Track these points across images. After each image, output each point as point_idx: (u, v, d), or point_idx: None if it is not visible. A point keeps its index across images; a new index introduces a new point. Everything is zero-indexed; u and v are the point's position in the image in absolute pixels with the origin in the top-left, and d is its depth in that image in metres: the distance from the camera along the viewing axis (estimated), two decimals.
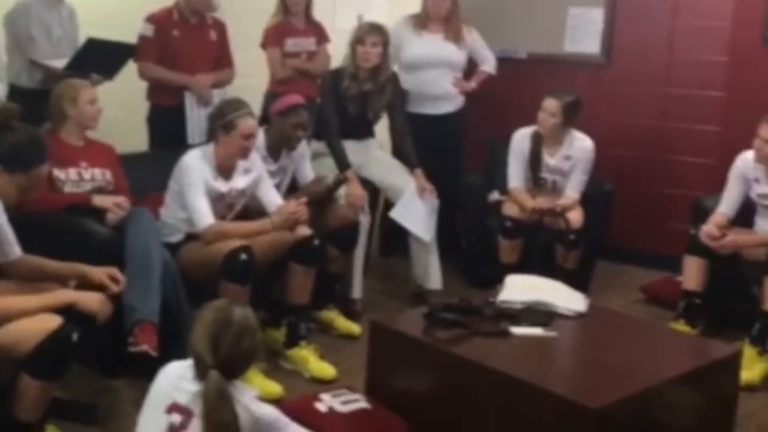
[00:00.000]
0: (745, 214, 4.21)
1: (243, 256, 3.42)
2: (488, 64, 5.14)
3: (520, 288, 3.44)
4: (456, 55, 4.99)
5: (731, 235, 4.05)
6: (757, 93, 4.77)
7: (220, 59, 4.58)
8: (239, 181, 3.73)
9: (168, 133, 4.39)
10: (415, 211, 4.42)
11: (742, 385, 3.30)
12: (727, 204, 4.18)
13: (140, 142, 4.49)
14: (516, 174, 4.64)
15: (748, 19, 4.90)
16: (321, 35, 4.91)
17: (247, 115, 3.63)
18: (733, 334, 3.90)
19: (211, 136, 3.70)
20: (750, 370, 3.58)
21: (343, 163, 4.34)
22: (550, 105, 4.49)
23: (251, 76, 4.80)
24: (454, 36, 4.97)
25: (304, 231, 3.71)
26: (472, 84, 5.08)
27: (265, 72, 4.80)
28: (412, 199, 4.43)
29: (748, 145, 4.11)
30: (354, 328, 4.04)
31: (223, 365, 2.22)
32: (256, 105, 4.19)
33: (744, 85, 4.90)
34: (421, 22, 4.98)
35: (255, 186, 3.79)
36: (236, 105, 3.65)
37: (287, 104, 3.99)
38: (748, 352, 3.65)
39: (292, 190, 4.14)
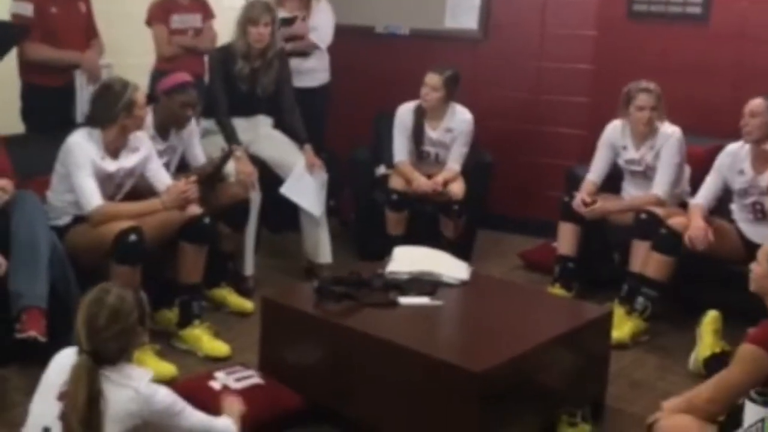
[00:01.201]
0: (614, 180, 4.34)
1: (132, 237, 3.33)
2: (318, 39, 5.03)
3: (407, 259, 3.46)
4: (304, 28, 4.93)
5: (600, 201, 4.18)
6: (623, 64, 4.90)
7: (88, 31, 4.37)
8: (127, 161, 3.60)
9: (48, 113, 4.15)
10: (305, 187, 4.39)
11: (613, 344, 3.41)
12: (596, 171, 4.30)
13: (11, 123, 4.19)
14: (401, 148, 4.65)
15: None
16: (206, 11, 4.79)
17: (136, 87, 3.53)
18: (604, 296, 4.02)
19: (99, 120, 3.51)
20: (620, 329, 3.69)
21: (232, 141, 4.26)
22: (433, 80, 4.51)
23: (137, 55, 4.64)
24: (306, 9, 4.92)
25: (195, 210, 3.63)
26: None
27: (151, 50, 4.65)
28: (302, 174, 4.39)
29: (615, 115, 4.23)
30: (247, 304, 3.99)
31: (97, 348, 2.17)
32: (142, 84, 4.05)
33: (610, 58, 5.03)
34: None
35: (143, 165, 3.67)
36: (123, 82, 3.52)
37: (174, 83, 3.87)
38: (618, 312, 3.75)
39: (181, 169, 4.04)
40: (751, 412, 1.58)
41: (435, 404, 2.69)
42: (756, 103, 3.74)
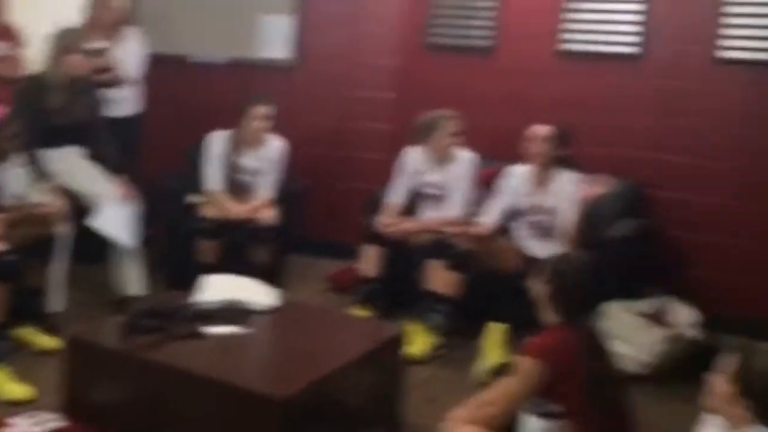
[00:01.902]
0: (411, 203, 4.52)
1: None
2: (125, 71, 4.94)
3: (217, 288, 3.46)
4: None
5: (400, 223, 4.36)
6: (421, 92, 5.12)
7: None
8: None
9: None
10: (116, 218, 4.30)
11: (411, 359, 3.55)
12: (395, 194, 4.47)
13: None
14: (213, 176, 4.66)
15: (414, 24, 5.20)
16: (15, 39, 4.61)
17: None
18: (407, 314, 4.13)
19: None
20: (417, 345, 3.84)
21: (41, 173, 4.12)
22: (262, 111, 4.54)
23: None
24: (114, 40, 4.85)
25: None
26: None
27: None
28: (113, 206, 4.30)
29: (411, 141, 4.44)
30: (52, 343, 3.80)
31: None
32: None
33: (409, 86, 5.23)
34: (87, 29, 4.76)
35: None
36: None
37: None
38: (415, 328, 3.91)
39: None
40: (530, 426, 1.71)
41: None
42: (541, 129, 4.01)
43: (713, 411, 2.11)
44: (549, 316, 2.75)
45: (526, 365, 2.63)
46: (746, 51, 4.37)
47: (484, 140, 4.61)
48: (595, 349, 2.71)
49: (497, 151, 4.56)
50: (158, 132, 5.40)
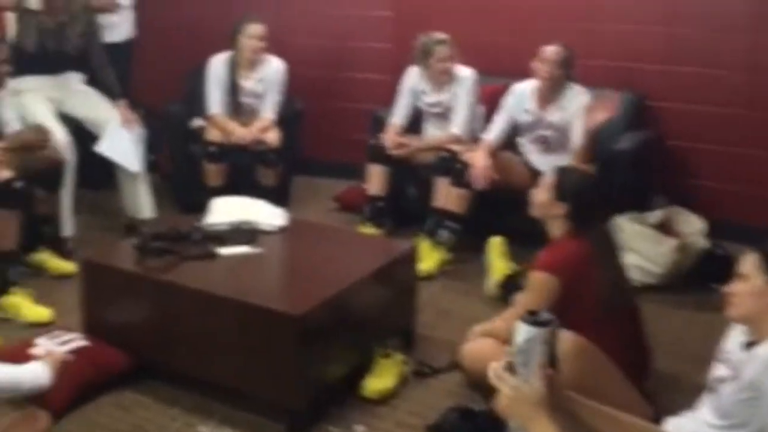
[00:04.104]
0: (415, 121, 4.44)
1: None
2: None
3: (225, 210, 3.42)
4: None
5: (406, 141, 4.29)
6: (420, 11, 4.96)
7: None
8: None
9: None
10: (122, 143, 4.22)
11: (422, 275, 3.53)
12: (398, 115, 4.39)
13: None
14: (215, 100, 4.56)
15: None
16: None
17: None
18: (413, 231, 4.11)
19: None
20: (427, 261, 3.82)
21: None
22: (259, 30, 4.43)
23: None
24: None
25: (4, 174, 3.43)
26: None
27: None
28: (118, 131, 4.22)
29: (413, 61, 4.30)
30: (67, 267, 3.82)
31: None
32: None
33: (408, 5, 5.06)
34: None
35: None
36: None
37: None
38: (424, 245, 3.88)
39: None
40: (521, 332, 1.72)
41: (258, 350, 2.71)
42: (552, 50, 3.88)
43: (738, 320, 2.05)
44: (558, 229, 2.71)
45: (539, 279, 2.62)
46: None
47: (486, 56, 4.50)
48: (608, 259, 2.68)
49: (500, 66, 4.44)
50: (155, 57, 5.26)
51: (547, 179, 2.77)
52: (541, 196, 2.76)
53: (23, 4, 4.06)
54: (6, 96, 3.80)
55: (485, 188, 3.89)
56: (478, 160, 3.92)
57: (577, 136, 3.86)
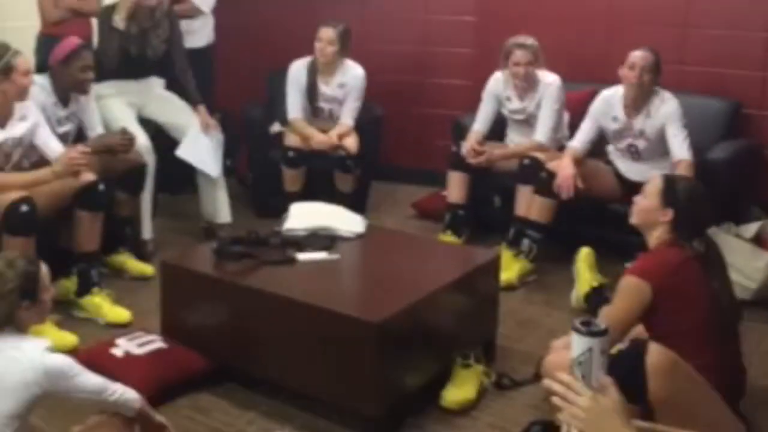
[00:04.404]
0: (498, 128, 4.37)
1: (24, 208, 3.17)
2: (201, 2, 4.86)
3: (304, 215, 3.40)
4: None
5: (487, 149, 4.21)
6: (503, 16, 4.90)
7: None
8: (15, 129, 3.40)
9: None
10: (201, 148, 4.26)
11: (502, 286, 3.44)
12: (481, 121, 4.31)
13: None
14: (295, 105, 4.56)
15: None
16: None
17: (17, 53, 3.32)
18: (493, 240, 4.06)
19: None
20: (508, 271, 3.73)
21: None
22: (327, 33, 4.42)
23: (19, 18, 4.38)
24: None
25: (88, 176, 3.48)
26: None
27: (34, 12, 4.38)
28: (197, 135, 4.26)
29: (497, 66, 4.24)
30: (146, 269, 3.87)
31: None
32: (27, 48, 3.85)
33: (491, 10, 5.01)
34: None
35: (32, 133, 3.48)
36: (3, 47, 3.30)
37: (68, 49, 3.65)
38: (505, 254, 3.80)
39: (80, 138, 3.86)
40: (577, 343, 1.62)
41: (335, 357, 2.68)
42: (642, 56, 3.75)
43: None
44: (657, 238, 2.59)
45: (629, 283, 2.51)
46: None
47: (573, 62, 4.39)
48: (715, 273, 2.54)
49: (587, 72, 4.33)
50: (234, 62, 5.32)
51: (653, 185, 2.66)
52: (646, 202, 2.65)
53: (109, 22, 4.12)
54: (89, 100, 3.86)
55: (570, 197, 3.77)
56: (564, 169, 3.81)
57: (679, 147, 3.70)
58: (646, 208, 2.64)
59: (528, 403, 2.86)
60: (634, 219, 2.70)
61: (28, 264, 2.22)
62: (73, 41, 3.71)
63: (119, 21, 4.08)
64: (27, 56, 3.43)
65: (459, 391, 2.82)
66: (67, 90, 3.72)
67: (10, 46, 3.32)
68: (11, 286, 2.15)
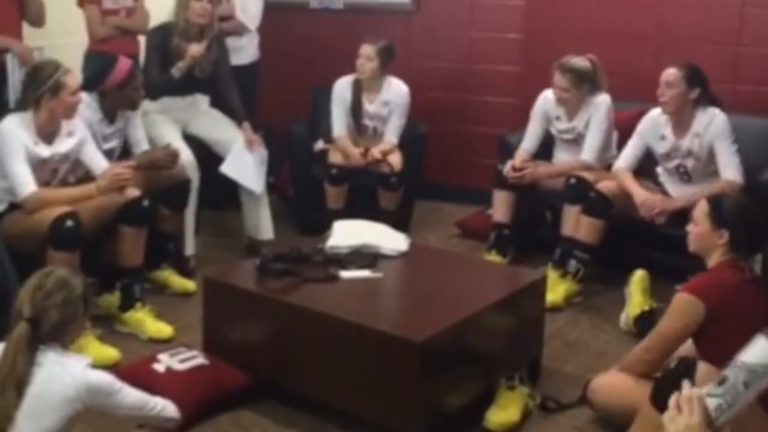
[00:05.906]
0: (545, 147, 4.36)
1: (69, 223, 3.24)
2: (247, 20, 4.96)
3: (347, 233, 3.43)
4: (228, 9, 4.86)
5: (531, 167, 4.20)
6: (550, 34, 4.90)
7: (19, 13, 4.16)
8: (62, 145, 3.49)
9: None
10: (245, 164, 4.32)
11: (548, 306, 3.44)
12: (529, 140, 4.31)
13: None
14: (339, 122, 4.62)
15: None
16: None
17: (68, 71, 3.40)
18: (538, 260, 4.05)
19: (27, 103, 3.42)
20: (554, 292, 3.71)
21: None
22: (366, 50, 4.48)
23: (68, 35, 4.49)
24: None
25: (133, 192, 3.55)
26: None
27: (82, 29, 4.50)
28: (241, 152, 4.32)
29: (544, 84, 4.24)
30: (189, 285, 3.92)
31: (38, 316, 2.12)
32: (76, 65, 3.94)
33: (539, 27, 5.02)
34: None
35: (78, 149, 3.56)
36: (54, 65, 3.39)
37: (124, 74, 3.74)
38: (552, 275, 3.77)
39: (125, 154, 3.94)
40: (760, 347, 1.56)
41: (377, 375, 2.69)
42: (670, 72, 3.72)
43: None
44: (714, 261, 2.58)
45: (682, 300, 2.50)
46: None
47: (622, 80, 4.36)
48: None
49: (637, 91, 4.30)
50: (278, 79, 5.39)
51: (700, 209, 2.65)
52: (698, 228, 2.64)
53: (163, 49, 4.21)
54: (137, 116, 3.94)
55: (658, 219, 3.73)
56: (642, 195, 3.77)
57: (726, 165, 3.66)
58: (700, 234, 2.62)
59: (573, 425, 2.84)
60: (691, 247, 2.69)
61: (73, 275, 2.28)
62: (125, 65, 3.77)
63: (176, 71, 4.15)
64: (76, 74, 3.51)
65: (503, 413, 2.81)
66: (116, 107, 3.81)
67: (60, 64, 3.40)
68: (79, 292, 2.21)
